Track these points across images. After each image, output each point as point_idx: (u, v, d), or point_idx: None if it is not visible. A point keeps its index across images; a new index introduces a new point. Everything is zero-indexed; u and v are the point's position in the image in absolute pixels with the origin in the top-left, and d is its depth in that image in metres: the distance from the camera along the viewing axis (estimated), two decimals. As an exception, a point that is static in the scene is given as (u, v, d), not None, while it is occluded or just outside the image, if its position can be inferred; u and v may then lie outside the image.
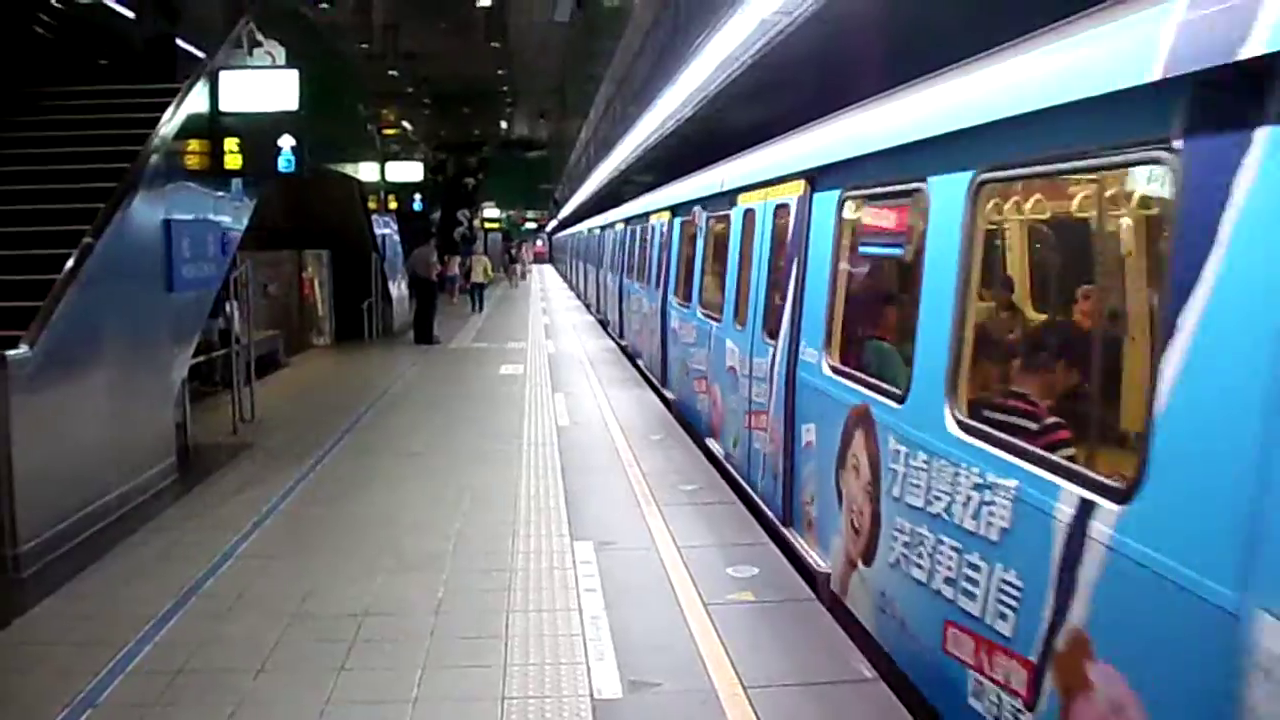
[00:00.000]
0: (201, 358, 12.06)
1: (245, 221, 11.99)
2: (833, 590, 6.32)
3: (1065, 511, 3.63)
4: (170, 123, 10.03)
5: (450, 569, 7.07)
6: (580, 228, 42.47)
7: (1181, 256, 3.13)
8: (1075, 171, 4.23)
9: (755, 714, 4.94)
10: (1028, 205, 5.27)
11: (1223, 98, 3.00)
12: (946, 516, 4.58)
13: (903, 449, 5.16)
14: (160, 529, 8.11)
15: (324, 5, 21.70)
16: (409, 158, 27.34)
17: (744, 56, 10.22)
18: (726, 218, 10.30)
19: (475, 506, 8.65)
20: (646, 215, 17.37)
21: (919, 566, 4.87)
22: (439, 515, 8.39)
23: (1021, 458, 4.03)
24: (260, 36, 11.94)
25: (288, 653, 5.72)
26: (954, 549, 4.50)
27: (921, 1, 8.36)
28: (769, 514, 7.94)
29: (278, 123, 11.25)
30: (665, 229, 14.81)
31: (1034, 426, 4.39)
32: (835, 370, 6.54)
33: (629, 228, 20.46)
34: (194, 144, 10.69)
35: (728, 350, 9.73)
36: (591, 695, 5.16)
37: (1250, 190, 2.89)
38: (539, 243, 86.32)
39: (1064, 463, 3.82)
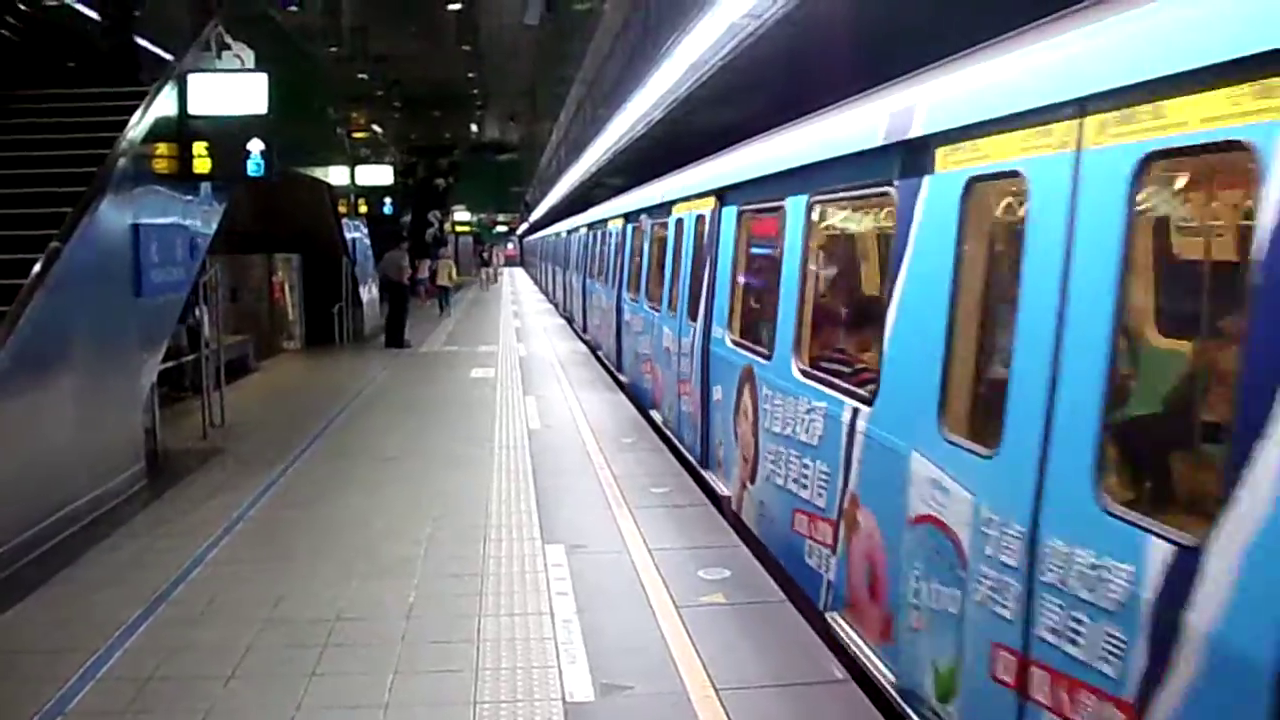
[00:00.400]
0: (171, 362, 12.00)
1: (214, 225, 11.92)
2: (733, 509, 8.13)
3: (846, 417, 5.56)
4: (138, 126, 9.97)
5: (422, 573, 7.06)
6: (550, 231, 42.60)
7: (895, 252, 5.03)
8: (855, 198, 6.42)
9: (727, 716, 4.96)
10: (836, 219, 7.16)
11: (911, 157, 4.90)
12: (792, 435, 6.45)
13: (770, 392, 7.00)
14: (130, 535, 8.07)
15: (293, 7, 21.61)
16: (379, 161, 27.26)
17: (713, 60, 10.26)
18: (665, 224, 12.21)
19: (447, 510, 8.65)
20: (605, 221, 19.11)
21: (779, 475, 6.74)
22: (411, 520, 8.38)
23: (828, 388, 6.03)
24: (229, 39, 11.88)
25: (259, 659, 5.70)
26: (796, 456, 6.37)
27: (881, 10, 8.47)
28: (691, 460, 9.81)
29: (247, 126, 11.19)
30: (619, 234, 16.57)
31: (835, 368, 6.32)
32: (734, 342, 8.38)
33: (591, 232, 21.67)
34: (162, 147, 10.62)
35: (664, 334, 11.62)
36: (563, 699, 5.17)
37: (923, 212, 4.77)
38: (509, 246, 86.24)
39: (846, 385, 5.83)
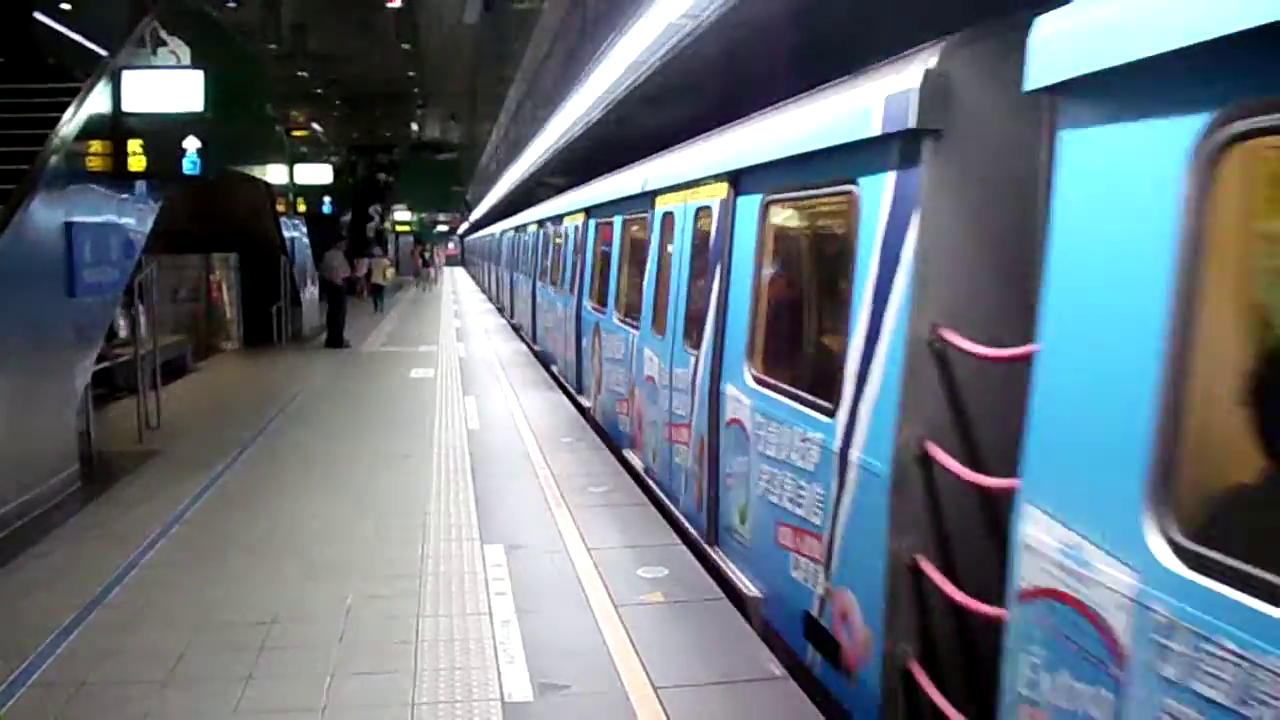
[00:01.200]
0: (105, 363, 11.84)
1: (149, 224, 11.79)
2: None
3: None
4: (71, 123, 9.85)
5: (359, 575, 7.03)
6: (491, 230, 42.42)
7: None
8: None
9: (665, 714, 4.99)
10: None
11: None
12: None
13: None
14: (62, 539, 7.95)
15: (230, 4, 21.41)
16: (319, 160, 27.05)
17: (651, 60, 10.29)
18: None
19: (385, 511, 8.61)
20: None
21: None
22: (349, 521, 8.34)
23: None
24: (164, 35, 11.77)
25: (194, 663, 5.65)
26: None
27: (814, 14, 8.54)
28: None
29: (183, 124, 11.10)
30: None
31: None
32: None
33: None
34: (96, 145, 10.51)
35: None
36: (502, 699, 5.18)
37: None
38: (450, 245, 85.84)
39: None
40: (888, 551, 4.42)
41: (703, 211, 7.82)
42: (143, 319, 12.38)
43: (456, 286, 51.97)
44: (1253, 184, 2.68)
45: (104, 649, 5.82)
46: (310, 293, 24.28)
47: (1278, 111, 2.44)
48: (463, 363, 18.69)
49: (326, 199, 27.31)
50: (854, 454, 4.78)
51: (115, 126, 10.80)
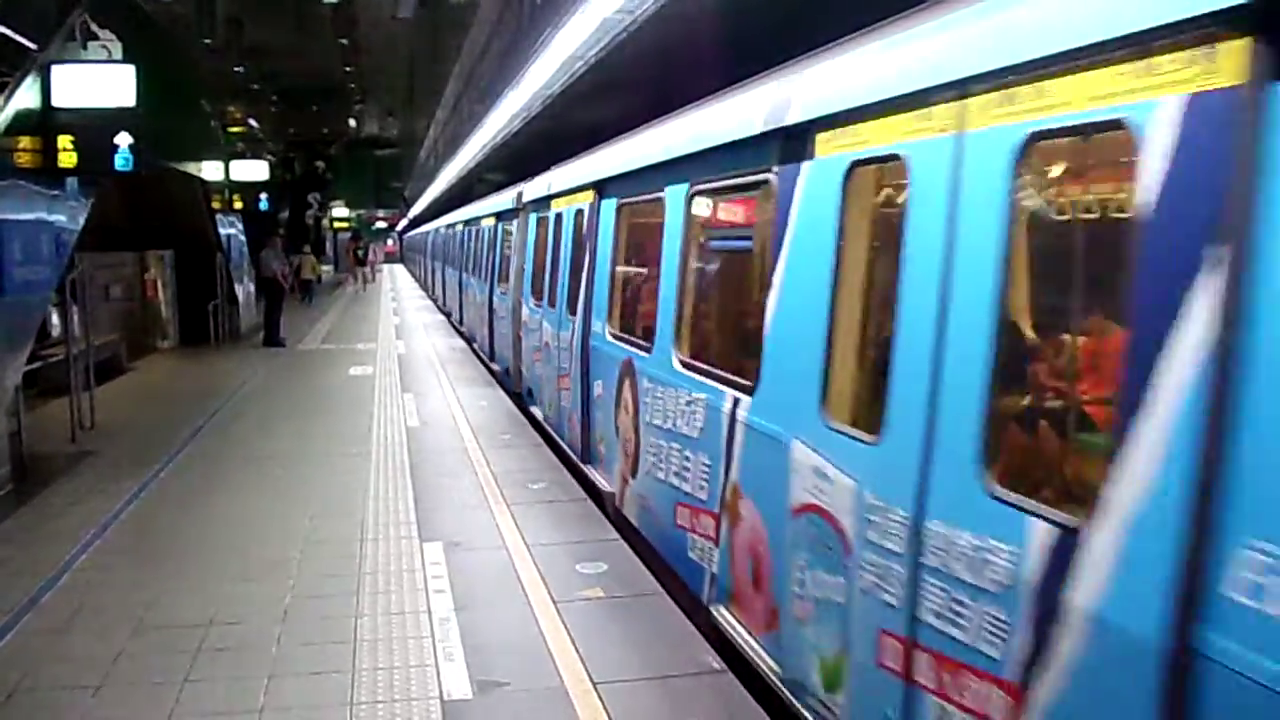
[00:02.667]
0: (37, 363, 11.66)
1: (81, 221, 11.62)
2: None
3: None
4: (-3, 119, 9.69)
5: (297, 575, 7.00)
6: (429, 227, 42.28)
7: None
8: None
9: (605, 709, 5.03)
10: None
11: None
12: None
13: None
14: (-7, 542, 7.84)
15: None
16: (255, 156, 26.74)
17: (586, 56, 10.32)
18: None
19: (323, 510, 8.57)
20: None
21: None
22: (285, 520, 8.29)
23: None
24: (95, 28, 11.59)
25: (129, 666, 5.61)
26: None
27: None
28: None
29: (115, 119, 10.94)
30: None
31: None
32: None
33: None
34: (24, 140, 10.32)
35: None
36: (441, 697, 5.19)
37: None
38: (389, 242, 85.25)
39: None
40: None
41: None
42: (75, 318, 12.20)
43: (396, 284, 51.62)
44: None
45: (36, 654, 5.76)
46: (247, 290, 24.01)
47: None
48: (401, 360, 18.61)
49: (263, 195, 27.00)
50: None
51: (45, 122, 10.62)
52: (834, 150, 4.56)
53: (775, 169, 5.20)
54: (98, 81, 11.01)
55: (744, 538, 5.50)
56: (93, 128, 10.82)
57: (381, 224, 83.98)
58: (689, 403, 6.39)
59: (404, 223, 77.90)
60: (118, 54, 11.55)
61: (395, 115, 44.52)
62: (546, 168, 13.00)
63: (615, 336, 8.48)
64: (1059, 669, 3.03)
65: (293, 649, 5.81)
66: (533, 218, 13.17)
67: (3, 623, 6.17)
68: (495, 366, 16.51)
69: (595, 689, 5.25)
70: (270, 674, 5.48)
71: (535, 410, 12.20)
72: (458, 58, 26.79)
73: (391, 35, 26.53)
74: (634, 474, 7.61)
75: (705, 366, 6.37)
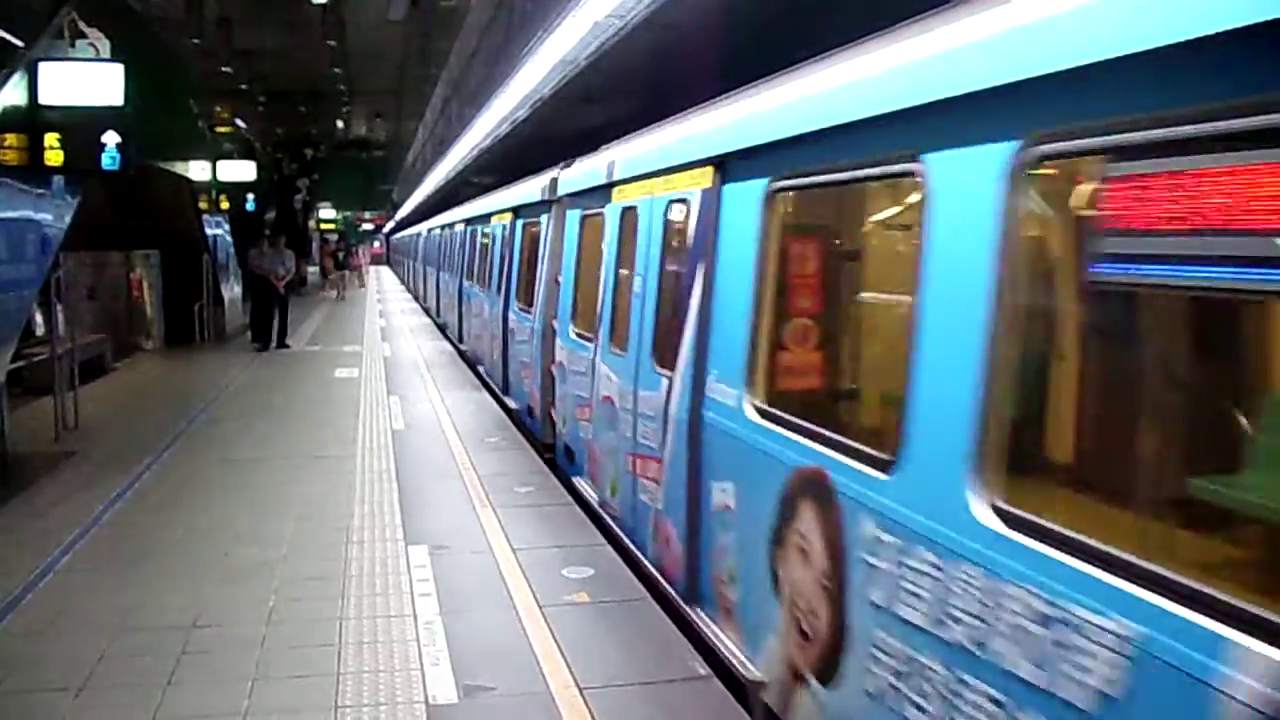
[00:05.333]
0: (21, 362, 11.59)
1: (67, 220, 11.56)
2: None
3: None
4: (-16, 116, 9.63)
5: (281, 577, 6.97)
6: (419, 228, 42.00)
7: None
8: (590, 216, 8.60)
9: (591, 715, 5.01)
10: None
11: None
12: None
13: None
14: (-26, 542, 7.79)
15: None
16: (243, 157, 26.67)
17: (578, 59, 10.30)
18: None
19: (308, 512, 8.54)
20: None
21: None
22: (270, 522, 8.26)
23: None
24: (83, 26, 11.53)
25: (112, 669, 5.57)
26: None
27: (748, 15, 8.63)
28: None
29: (102, 118, 10.88)
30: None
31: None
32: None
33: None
34: (11, 138, 10.25)
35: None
36: (426, 701, 5.16)
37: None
38: (376, 244, 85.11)
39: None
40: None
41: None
42: (60, 317, 12.14)
43: (382, 285, 51.50)
44: None
45: (17, 656, 5.72)
46: (233, 291, 23.91)
47: None
48: (387, 362, 18.57)
49: (250, 196, 26.93)
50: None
51: (31, 119, 10.56)
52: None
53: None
54: (85, 80, 10.96)
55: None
56: (80, 126, 10.76)
57: (368, 225, 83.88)
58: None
59: (390, 225, 77.69)
60: (106, 52, 11.50)
61: (383, 117, 44.45)
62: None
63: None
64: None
65: (277, 652, 5.78)
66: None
67: (-17, 624, 6.13)
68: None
69: (581, 694, 5.23)
70: (254, 677, 5.45)
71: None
72: (446, 61, 26.74)
73: (380, 37, 26.49)
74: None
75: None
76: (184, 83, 22.22)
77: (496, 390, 14.44)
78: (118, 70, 11.09)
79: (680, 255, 6.65)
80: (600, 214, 8.74)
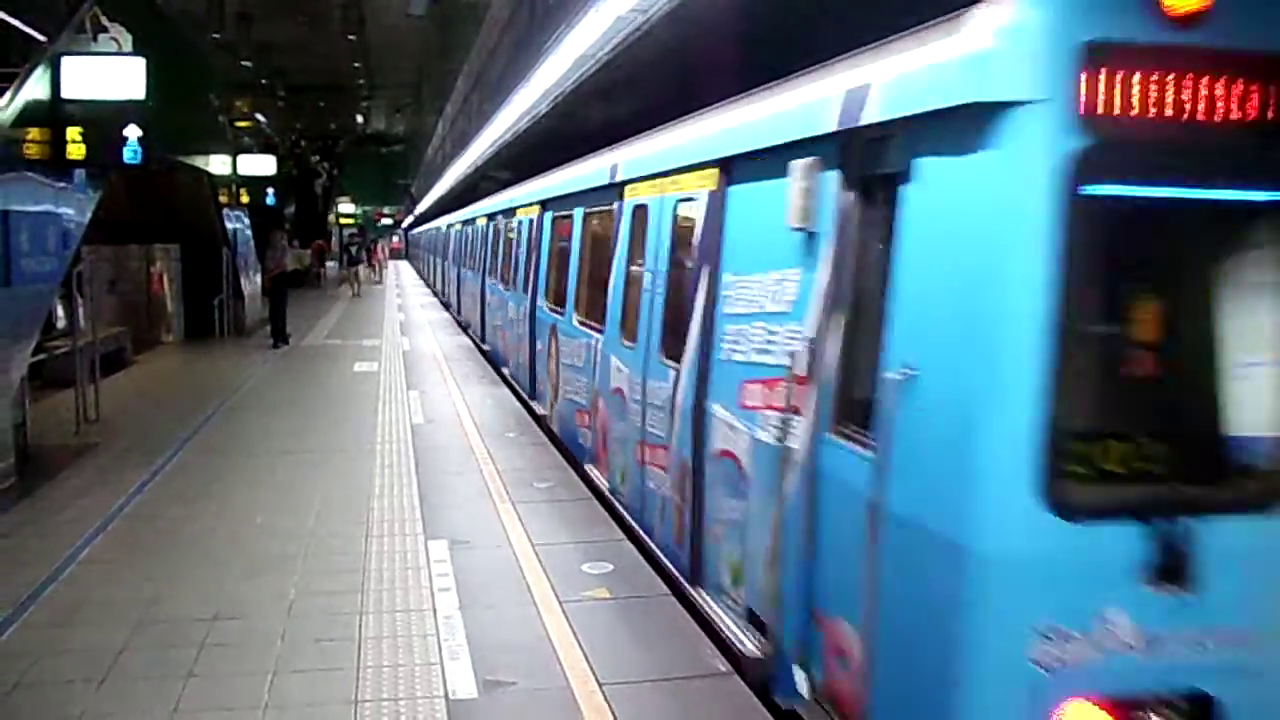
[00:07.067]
0: (42, 355, 11.64)
1: (89, 214, 11.61)
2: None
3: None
4: (7, 109, 9.65)
5: (302, 570, 6.98)
6: (441, 221, 41.99)
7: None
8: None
9: (611, 710, 5.00)
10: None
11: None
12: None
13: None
14: (-3, 533, 7.83)
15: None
16: (262, 150, 26.76)
17: (599, 54, 10.26)
18: (521, 223, 14.72)
19: (327, 506, 8.55)
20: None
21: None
22: (290, 516, 8.27)
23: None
24: (105, 21, 11.57)
25: (133, 660, 5.59)
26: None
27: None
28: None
29: (124, 112, 10.92)
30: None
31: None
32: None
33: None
34: (34, 132, 10.30)
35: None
36: (446, 696, 5.16)
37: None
38: (395, 239, 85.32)
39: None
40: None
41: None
42: (81, 310, 12.18)
43: (401, 279, 51.56)
44: None
45: (39, 648, 5.74)
46: (253, 285, 23.96)
47: None
48: (406, 356, 18.57)
49: (270, 190, 27.01)
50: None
51: (54, 114, 10.60)
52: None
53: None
54: (107, 74, 11.00)
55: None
56: (102, 120, 10.81)
57: (387, 220, 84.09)
58: None
59: (409, 220, 77.84)
60: (128, 47, 11.53)
61: (403, 112, 44.55)
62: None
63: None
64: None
65: (297, 645, 5.79)
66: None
67: (6, 615, 6.15)
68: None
69: (601, 689, 5.22)
70: (274, 670, 5.46)
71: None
72: (468, 55, 26.75)
73: (400, 32, 26.53)
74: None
75: None
76: (204, 77, 22.29)
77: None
78: (139, 64, 11.13)
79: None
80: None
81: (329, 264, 47.02)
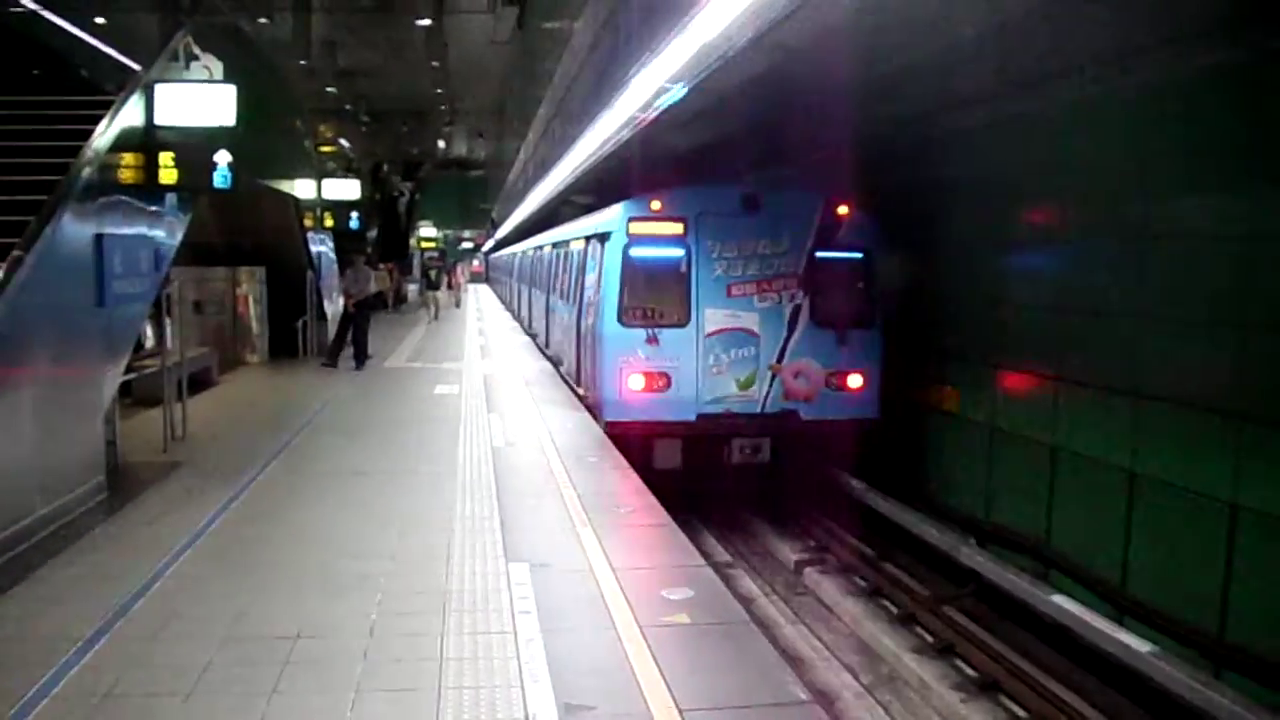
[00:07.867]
0: (132, 374, 11.88)
1: (179, 236, 11.86)
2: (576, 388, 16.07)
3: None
4: (104, 135, 9.90)
5: (384, 591, 7.02)
6: (516, 249, 42.35)
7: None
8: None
9: (690, 738, 4.96)
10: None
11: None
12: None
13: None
14: (88, 549, 7.96)
15: (262, 20, 21.56)
16: (346, 175, 27.19)
17: (682, 82, 10.27)
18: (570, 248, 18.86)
19: (409, 527, 8.59)
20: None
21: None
22: (372, 536, 8.32)
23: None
24: (197, 50, 11.85)
25: (218, 676, 5.65)
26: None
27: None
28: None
29: (214, 138, 11.16)
30: (562, 253, 21.39)
31: None
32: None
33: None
34: (128, 157, 10.56)
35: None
36: (526, 719, 5.15)
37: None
38: (475, 262, 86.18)
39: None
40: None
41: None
42: (169, 330, 12.42)
43: (480, 303, 51.95)
44: None
45: (128, 660, 5.83)
46: (336, 308, 24.27)
47: None
48: (487, 379, 18.67)
49: (354, 213, 27.42)
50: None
51: (147, 139, 10.87)
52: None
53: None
54: (199, 101, 11.27)
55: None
56: (193, 145, 11.05)
57: (467, 244, 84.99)
58: None
59: (489, 244, 78.56)
60: (218, 74, 11.80)
61: (484, 136, 45.04)
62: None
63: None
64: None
65: (379, 665, 5.82)
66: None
67: (96, 628, 6.25)
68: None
69: (681, 715, 5.18)
70: (356, 689, 5.49)
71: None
72: (550, 81, 27.01)
73: (483, 58, 26.85)
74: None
75: None
76: (291, 103, 22.71)
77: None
78: (230, 91, 11.38)
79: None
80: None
81: (410, 287, 47.39)
